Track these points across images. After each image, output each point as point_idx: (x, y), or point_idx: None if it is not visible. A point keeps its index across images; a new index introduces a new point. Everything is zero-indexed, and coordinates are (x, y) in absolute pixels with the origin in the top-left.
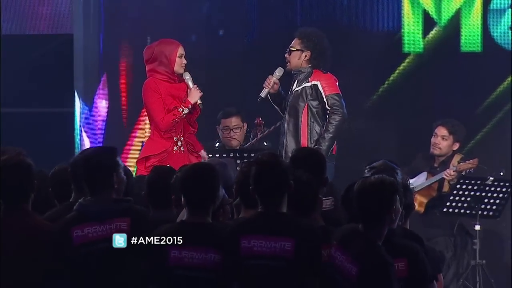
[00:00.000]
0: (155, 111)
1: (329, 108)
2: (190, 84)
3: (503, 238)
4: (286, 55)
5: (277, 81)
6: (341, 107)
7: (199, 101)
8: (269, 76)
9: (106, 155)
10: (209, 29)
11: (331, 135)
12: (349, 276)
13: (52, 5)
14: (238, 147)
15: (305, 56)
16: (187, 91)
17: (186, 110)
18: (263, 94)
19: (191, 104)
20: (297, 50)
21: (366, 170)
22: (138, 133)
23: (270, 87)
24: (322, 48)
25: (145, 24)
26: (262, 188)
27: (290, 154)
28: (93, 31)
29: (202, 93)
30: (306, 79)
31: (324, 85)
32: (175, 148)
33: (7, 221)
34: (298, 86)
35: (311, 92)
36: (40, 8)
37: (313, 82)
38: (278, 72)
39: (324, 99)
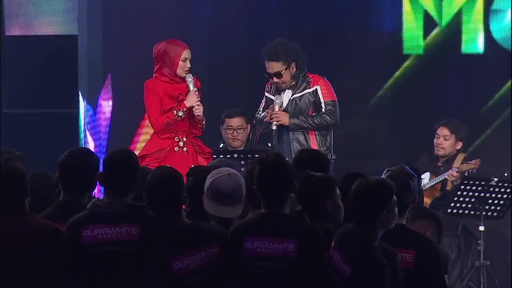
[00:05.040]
0: (151, 112)
1: (324, 111)
2: (191, 86)
3: (507, 239)
4: (276, 79)
5: (281, 109)
6: (336, 115)
7: (200, 112)
8: (273, 110)
9: (132, 158)
10: (213, 30)
11: (315, 123)
12: (344, 277)
13: (57, 6)
14: (241, 148)
15: (293, 68)
16: (186, 93)
17: (180, 113)
18: (274, 127)
19: (186, 107)
20: (285, 70)
21: (384, 173)
22: (142, 134)
23: (278, 120)
24: (299, 51)
25: (149, 24)
26: (266, 188)
27: None
28: (97, 32)
29: (199, 98)
30: (307, 86)
31: (323, 90)
32: (176, 148)
33: (5, 228)
34: (299, 93)
35: (312, 97)
36: (44, 9)
37: (315, 87)
38: (278, 100)
39: (322, 104)
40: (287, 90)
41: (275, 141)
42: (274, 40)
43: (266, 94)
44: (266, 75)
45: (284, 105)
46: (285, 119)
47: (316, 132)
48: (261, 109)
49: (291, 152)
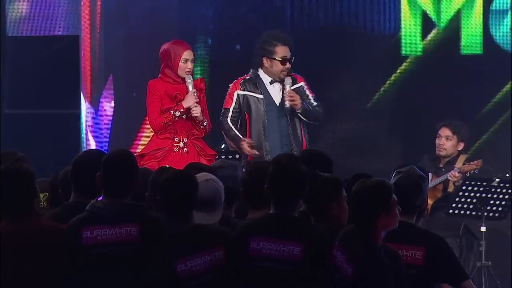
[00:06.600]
0: (150, 112)
1: (316, 105)
2: (190, 87)
3: (509, 240)
4: (288, 65)
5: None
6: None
7: (197, 113)
8: (290, 92)
9: (130, 159)
10: (214, 30)
11: (318, 113)
12: (346, 276)
13: (59, 6)
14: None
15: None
16: (186, 93)
17: (178, 113)
18: (287, 105)
19: (183, 108)
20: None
21: (393, 174)
22: (144, 135)
23: (292, 100)
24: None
25: (151, 25)
26: (277, 189)
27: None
28: (99, 32)
29: (198, 99)
30: (294, 82)
31: (307, 88)
32: (175, 149)
33: (14, 229)
34: (291, 86)
35: (299, 93)
36: (46, 10)
37: (301, 83)
38: (288, 81)
39: (310, 99)
40: (273, 84)
41: (262, 138)
42: (279, 30)
43: (239, 92)
44: (281, 59)
45: (278, 100)
46: (298, 101)
47: (305, 136)
48: (230, 112)
49: (290, 144)
